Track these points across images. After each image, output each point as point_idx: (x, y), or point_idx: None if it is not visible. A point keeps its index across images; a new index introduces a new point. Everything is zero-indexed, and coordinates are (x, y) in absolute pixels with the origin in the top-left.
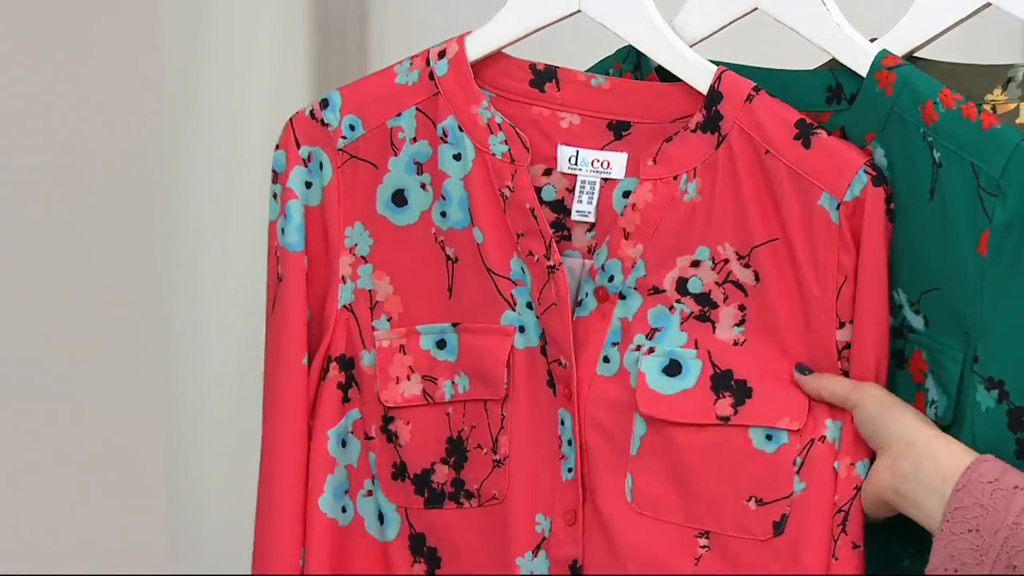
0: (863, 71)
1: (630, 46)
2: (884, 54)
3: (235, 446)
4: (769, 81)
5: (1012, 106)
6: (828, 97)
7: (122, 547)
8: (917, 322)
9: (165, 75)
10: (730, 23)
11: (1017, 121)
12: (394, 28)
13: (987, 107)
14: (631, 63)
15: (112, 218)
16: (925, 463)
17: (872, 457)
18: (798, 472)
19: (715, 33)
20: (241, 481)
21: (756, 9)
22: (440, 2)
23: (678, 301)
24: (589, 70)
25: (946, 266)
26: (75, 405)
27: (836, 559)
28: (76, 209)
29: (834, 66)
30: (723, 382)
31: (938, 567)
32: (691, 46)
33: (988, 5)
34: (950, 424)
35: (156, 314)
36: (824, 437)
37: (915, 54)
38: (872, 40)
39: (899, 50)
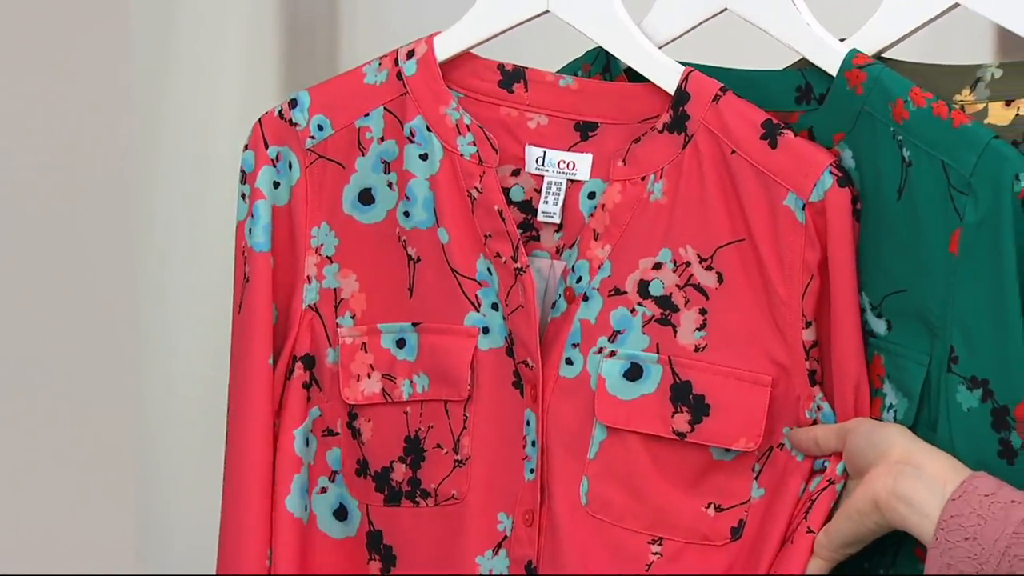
0: (833, 70)
1: (599, 48)
2: (854, 53)
3: (205, 446)
4: (738, 81)
5: (980, 106)
6: (797, 97)
7: (89, 547)
8: (879, 326)
9: (134, 75)
10: (699, 24)
11: (986, 121)
12: (364, 28)
13: (956, 107)
14: (600, 65)
15: (82, 218)
16: (927, 465)
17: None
18: (757, 478)
19: (685, 34)
20: (210, 482)
21: (726, 10)
22: (410, 2)
23: (640, 304)
24: (558, 72)
25: (914, 267)
26: (45, 405)
27: (791, 543)
28: (45, 210)
29: (804, 66)
30: (682, 394)
31: None
32: (661, 47)
33: (956, 5)
34: (912, 426)
35: (126, 314)
36: (783, 444)
37: (883, 54)
38: (840, 40)
39: (867, 50)
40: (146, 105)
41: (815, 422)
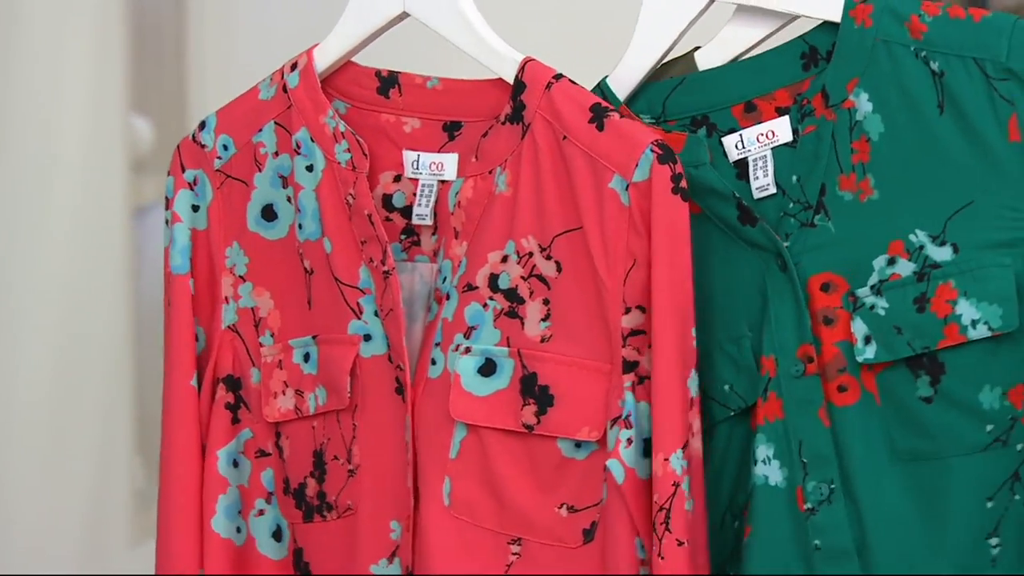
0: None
1: None
2: None
3: (48, 450)
4: (743, 71)
5: None
6: (804, 64)
7: None
8: (943, 254)
9: None
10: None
11: None
12: (212, 29)
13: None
14: None
15: None
16: None
17: (684, 446)
18: (607, 479)
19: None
20: (52, 484)
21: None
22: (258, 4)
23: (491, 298)
24: None
25: (979, 172)
26: None
27: (662, 558)
28: None
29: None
30: (529, 386)
31: None
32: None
33: (797, 18)
34: (1020, 327)
35: None
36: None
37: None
38: (695, 49)
39: (727, 54)
40: None
41: (621, 411)
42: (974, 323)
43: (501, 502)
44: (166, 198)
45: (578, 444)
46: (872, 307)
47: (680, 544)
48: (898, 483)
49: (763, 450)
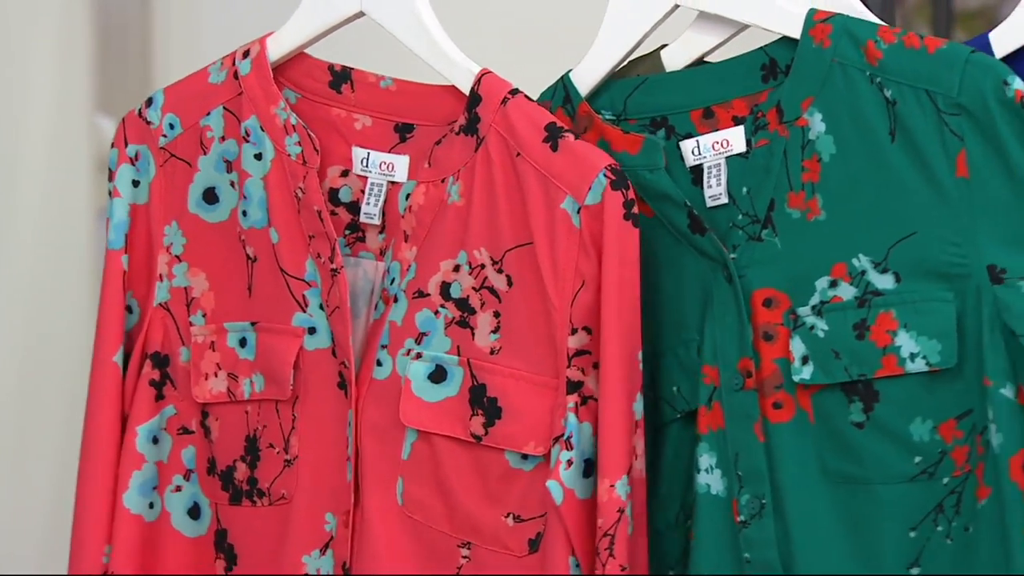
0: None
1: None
2: (815, 11)
3: (12, 449)
4: (704, 76)
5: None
6: (764, 75)
7: None
8: (885, 281)
9: None
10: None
11: None
12: (177, 28)
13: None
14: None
15: None
16: None
17: (629, 470)
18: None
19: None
20: (16, 484)
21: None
22: (223, 3)
23: (442, 306)
24: None
25: (924, 202)
26: None
27: None
28: None
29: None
30: (478, 397)
31: None
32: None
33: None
34: (959, 364)
35: None
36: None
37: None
38: (663, 47)
39: (691, 54)
40: None
41: (564, 430)
42: (912, 356)
43: (452, 506)
44: (109, 170)
45: (525, 456)
46: (812, 327)
47: (623, 569)
48: (827, 503)
49: (706, 459)
